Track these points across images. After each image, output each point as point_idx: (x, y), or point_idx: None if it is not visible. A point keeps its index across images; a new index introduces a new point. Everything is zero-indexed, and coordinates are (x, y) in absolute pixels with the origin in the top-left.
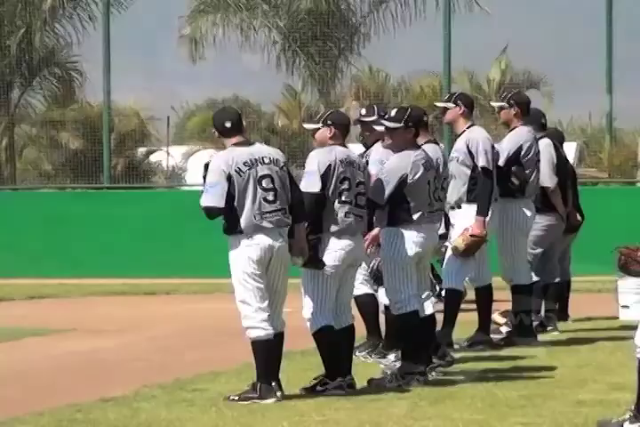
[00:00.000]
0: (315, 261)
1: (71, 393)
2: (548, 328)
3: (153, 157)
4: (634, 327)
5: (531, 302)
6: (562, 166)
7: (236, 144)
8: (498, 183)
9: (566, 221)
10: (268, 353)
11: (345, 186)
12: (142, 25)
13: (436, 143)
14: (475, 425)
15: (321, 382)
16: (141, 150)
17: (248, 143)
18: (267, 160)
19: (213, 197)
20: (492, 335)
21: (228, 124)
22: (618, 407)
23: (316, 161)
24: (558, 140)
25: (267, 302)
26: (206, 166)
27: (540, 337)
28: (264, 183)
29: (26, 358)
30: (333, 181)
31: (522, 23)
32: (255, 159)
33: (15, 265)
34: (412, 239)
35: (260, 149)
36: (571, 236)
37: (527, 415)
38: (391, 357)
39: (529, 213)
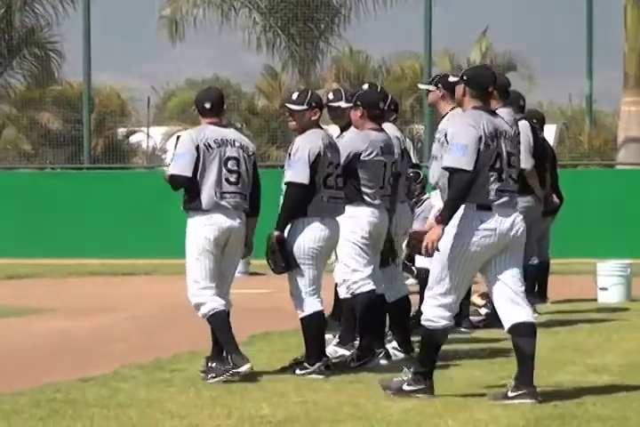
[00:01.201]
0: (282, 262)
1: (50, 373)
2: None
3: (133, 138)
4: (612, 309)
5: None
6: (539, 148)
7: (212, 123)
8: None
9: (544, 203)
10: (227, 323)
11: (330, 170)
12: (122, 5)
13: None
14: (453, 406)
15: (300, 365)
16: (121, 131)
17: (222, 126)
18: (237, 144)
19: (180, 166)
20: (470, 317)
21: (207, 105)
22: (596, 389)
23: (307, 149)
24: (539, 121)
25: (215, 283)
26: (178, 138)
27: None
28: (230, 164)
29: (4, 337)
30: (322, 168)
31: (503, 6)
32: (226, 140)
33: None
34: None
35: (233, 134)
36: (549, 218)
37: None
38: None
39: None
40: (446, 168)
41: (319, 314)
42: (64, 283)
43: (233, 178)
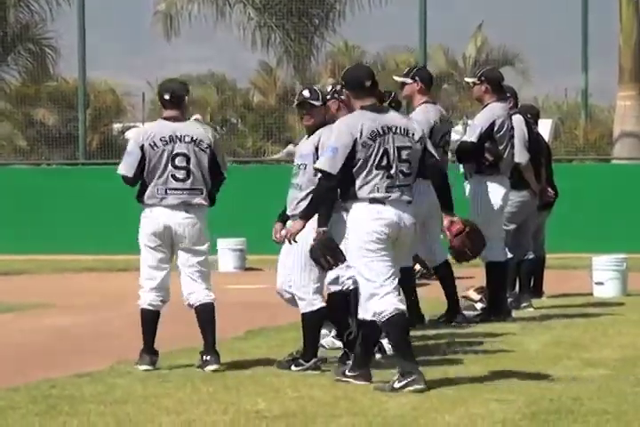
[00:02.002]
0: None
1: (46, 369)
2: (523, 305)
3: (128, 133)
4: (608, 304)
5: (505, 279)
6: (534, 142)
7: (165, 118)
8: (471, 160)
9: (539, 197)
10: (154, 321)
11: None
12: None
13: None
14: (449, 401)
15: (295, 361)
16: (117, 126)
17: (177, 120)
18: (187, 139)
19: (125, 166)
20: (466, 312)
21: (166, 96)
22: (592, 383)
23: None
24: (533, 116)
25: (157, 275)
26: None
27: (515, 314)
28: (177, 161)
29: None
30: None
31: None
32: (176, 136)
33: None
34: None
35: (186, 128)
36: (545, 212)
37: (501, 392)
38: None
39: (503, 190)
40: (316, 169)
41: (323, 310)
42: (59, 279)
43: (180, 174)
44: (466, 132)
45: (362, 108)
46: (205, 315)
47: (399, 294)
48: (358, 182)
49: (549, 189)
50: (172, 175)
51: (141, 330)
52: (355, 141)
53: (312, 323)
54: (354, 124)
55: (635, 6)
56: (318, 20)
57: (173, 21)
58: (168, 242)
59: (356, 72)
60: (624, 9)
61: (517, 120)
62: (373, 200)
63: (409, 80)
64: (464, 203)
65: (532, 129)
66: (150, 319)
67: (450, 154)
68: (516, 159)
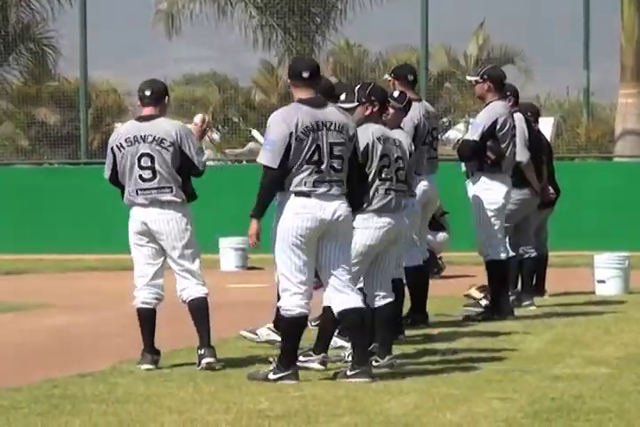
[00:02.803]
0: None
1: (48, 369)
2: (525, 303)
3: None
4: (610, 302)
5: (507, 277)
6: (534, 141)
7: (138, 118)
8: (473, 158)
9: (540, 195)
10: (151, 318)
11: (384, 163)
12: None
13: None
14: (451, 400)
15: (304, 353)
16: (119, 126)
17: (146, 119)
18: (150, 139)
19: (106, 169)
20: (469, 308)
21: (147, 92)
22: (594, 381)
23: None
24: (534, 114)
25: (149, 271)
26: None
27: (517, 312)
28: (142, 161)
29: (2, 333)
30: (374, 160)
31: None
32: (140, 136)
33: None
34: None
35: (151, 127)
36: (547, 211)
37: (504, 390)
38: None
39: (505, 188)
40: (260, 163)
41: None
42: (62, 278)
43: (147, 174)
44: (467, 130)
45: (299, 100)
46: (197, 309)
47: (308, 297)
48: (289, 175)
49: (550, 188)
50: (139, 176)
51: (140, 330)
52: (290, 135)
53: (334, 319)
54: (290, 117)
55: (636, 4)
56: (320, 19)
57: (175, 20)
58: (152, 239)
59: (296, 63)
60: (626, 7)
61: (518, 118)
62: (299, 193)
63: (388, 77)
64: (466, 201)
65: (533, 127)
66: (147, 318)
67: (452, 151)
68: (517, 158)
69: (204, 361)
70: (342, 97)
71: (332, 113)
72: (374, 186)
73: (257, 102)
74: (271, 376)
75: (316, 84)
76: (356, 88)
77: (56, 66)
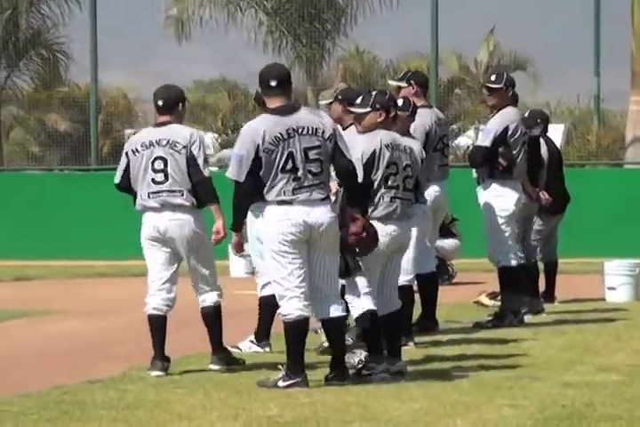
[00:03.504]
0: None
1: (58, 375)
2: (535, 310)
3: None
4: (620, 309)
5: (518, 284)
6: (532, 146)
7: (154, 124)
8: (485, 165)
9: (536, 201)
10: (161, 325)
11: (392, 170)
12: (129, 5)
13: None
14: (461, 406)
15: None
16: (129, 132)
17: (161, 125)
18: (164, 142)
19: (117, 174)
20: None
21: (159, 103)
22: (604, 389)
23: (360, 150)
24: (543, 121)
25: (162, 276)
26: None
27: (527, 319)
28: (156, 164)
29: (11, 340)
30: (380, 167)
31: (509, 4)
32: (155, 140)
33: (1, 247)
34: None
35: (166, 131)
36: (557, 217)
37: (514, 397)
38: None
39: (516, 195)
40: (229, 178)
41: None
42: (72, 284)
43: (159, 177)
44: (478, 136)
45: (268, 110)
46: (207, 318)
47: (305, 299)
48: (266, 186)
49: (545, 193)
50: (151, 179)
51: (150, 336)
52: (257, 148)
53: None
54: (256, 130)
55: None
56: (330, 25)
57: (185, 26)
58: (165, 244)
59: (264, 70)
60: (636, 13)
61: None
62: (281, 202)
63: (404, 84)
64: (476, 208)
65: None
66: (157, 325)
67: (462, 157)
68: None
69: (210, 367)
70: (358, 101)
71: (303, 118)
72: (379, 193)
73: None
74: (280, 384)
75: (288, 92)
76: (374, 94)
77: (67, 71)
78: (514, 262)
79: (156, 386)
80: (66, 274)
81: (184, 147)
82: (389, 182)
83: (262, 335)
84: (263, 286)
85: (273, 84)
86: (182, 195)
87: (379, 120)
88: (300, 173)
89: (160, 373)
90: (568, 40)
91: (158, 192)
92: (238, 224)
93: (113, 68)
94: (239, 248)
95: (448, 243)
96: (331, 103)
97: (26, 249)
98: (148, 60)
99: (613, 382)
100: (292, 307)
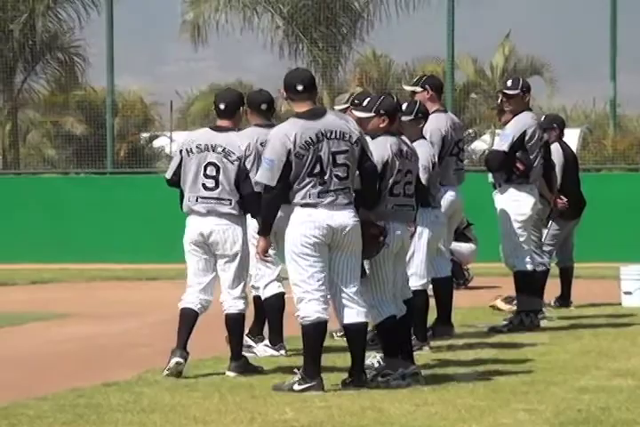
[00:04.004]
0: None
1: (73, 378)
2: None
3: (156, 143)
4: (636, 314)
5: (534, 288)
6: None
7: (213, 127)
8: (502, 169)
9: (552, 205)
10: (190, 321)
11: (397, 179)
12: (145, 10)
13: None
14: (477, 411)
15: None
16: (145, 135)
17: (220, 129)
18: (219, 149)
19: (169, 170)
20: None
21: (221, 106)
22: (620, 393)
23: (374, 158)
24: (559, 125)
25: (201, 281)
26: None
27: (543, 324)
28: (208, 170)
29: (28, 343)
30: (389, 176)
31: (525, 8)
32: (211, 145)
33: (18, 250)
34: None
35: (224, 138)
36: (573, 222)
37: (529, 402)
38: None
39: (533, 200)
40: (256, 182)
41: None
42: (88, 288)
43: (210, 183)
44: (493, 140)
45: (296, 114)
46: (229, 324)
47: (325, 302)
48: (292, 188)
49: (562, 197)
50: (202, 184)
51: (177, 329)
52: (288, 152)
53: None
54: (287, 134)
55: None
56: (346, 29)
57: (201, 30)
58: (207, 249)
59: (290, 75)
60: None
61: (555, 150)
62: (306, 205)
63: (419, 89)
64: (492, 212)
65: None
66: (187, 319)
67: (470, 161)
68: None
69: (227, 373)
70: (364, 103)
71: (331, 122)
72: (384, 202)
73: (282, 113)
74: (296, 387)
75: (314, 96)
76: (380, 99)
77: (83, 75)
78: (529, 267)
79: (171, 389)
80: (82, 277)
81: (238, 158)
82: (394, 191)
83: (275, 338)
84: (265, 287)
85: (300, 88)
86: (230, 204)
87: (381, 126)
88: (326, 177)
89: (179, 359)
90: (584, 44)
91: (207, 198)
92: (266, 228)
93: (129, 71)
94: (265, 253)
95: (464, 247)
96: (347, 108)
97: (42, 252)
98: (164, 64)
99: (629, 386)
100: (310, 309)
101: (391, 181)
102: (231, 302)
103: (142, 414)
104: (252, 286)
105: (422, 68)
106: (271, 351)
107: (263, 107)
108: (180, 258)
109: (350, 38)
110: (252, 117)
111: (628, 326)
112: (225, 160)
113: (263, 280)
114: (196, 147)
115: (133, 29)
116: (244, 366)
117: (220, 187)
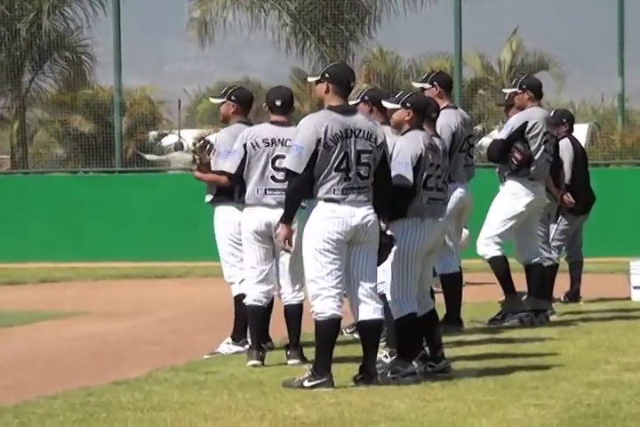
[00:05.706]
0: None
1: (83, 377)
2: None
3: (164, 141)
4: None
5: (545, 283)
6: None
7: (272, 121)
8: (501, 159)
9: (559, 201)
10: (261, 316)
11: (430, 172)
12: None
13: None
14: (487, 406)
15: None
16: (153, 134)
17: (282, 124)
18: (289, 143)
19: (229, 164)
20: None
21: (277, 103)
22: (630, 388)
23: (409, 153)
24: (568, 120)
25: (263, 270)
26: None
27: (552, 318)
28: (277, 163)
29: (38, 341)
30: (423, 169)
31: (533, 4)
32: (278, 139)
33: (27, 249)
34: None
35: (288, 132)
36: (582, 217)
37: (539, 397)
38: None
39: (531, 198)
40: (283, 168)
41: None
42: (97, 286)
43: (279, 176)
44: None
45: (329, 107)
46: (290, 315)
47: (340, 300)
48: (317, 182)
49: (569, 194)
50: (271, 176)
51: (248, 327)
52: (318, 141)
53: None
54: (319, 124)
55: None
56: (353, 26)
57: (208, 28)
58: (269, 240)
59: (344, 70)
60: None
61: (564, 145)
62: (329, 200)
63: (427, 85)
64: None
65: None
66: (256, 316)
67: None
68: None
69: (290, 362)
70: (397, 95)
71: (360, 120)
72: (419, 195)
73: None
74: (306, 384)
75: (348, 91)
76: (410, 93)
77: (91, 73)
78: (500, 253)
79: (180, 387)
80: (91, 276)
81: None
82: (428, 184)
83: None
84: (240, 282)
85: (352, 84)
86: None
87: (406, 118)
88: (351, 174)
89: (256, 362)
90: (591, 39)
91: (277, 190)
92: (290, 215)
93: (137, 70)
94: (289, 241)
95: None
96: (357, 104)
97: (51, 251)
98: (172, 62)
99: (639, 381)
100: (326, 306)
101: (425, 174)
102: (292, 294)
103: (152, 412)
104: (228, 282)
105: (429, 64)
106: (236, 348)
107: (278, 103)
108: (187, 256)
109: (357, 35)
110: (270, 113)
111: (638, 321)
112: None
113: (239, 275)
114: (263, 141)
115: (140, 28)
116: (302, 355)
117: None
